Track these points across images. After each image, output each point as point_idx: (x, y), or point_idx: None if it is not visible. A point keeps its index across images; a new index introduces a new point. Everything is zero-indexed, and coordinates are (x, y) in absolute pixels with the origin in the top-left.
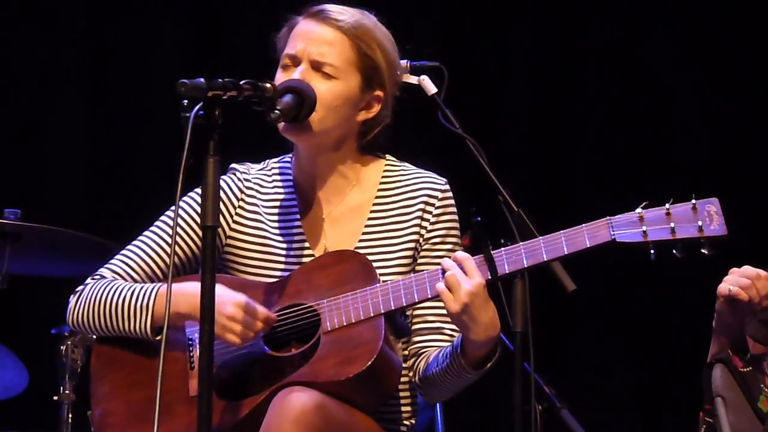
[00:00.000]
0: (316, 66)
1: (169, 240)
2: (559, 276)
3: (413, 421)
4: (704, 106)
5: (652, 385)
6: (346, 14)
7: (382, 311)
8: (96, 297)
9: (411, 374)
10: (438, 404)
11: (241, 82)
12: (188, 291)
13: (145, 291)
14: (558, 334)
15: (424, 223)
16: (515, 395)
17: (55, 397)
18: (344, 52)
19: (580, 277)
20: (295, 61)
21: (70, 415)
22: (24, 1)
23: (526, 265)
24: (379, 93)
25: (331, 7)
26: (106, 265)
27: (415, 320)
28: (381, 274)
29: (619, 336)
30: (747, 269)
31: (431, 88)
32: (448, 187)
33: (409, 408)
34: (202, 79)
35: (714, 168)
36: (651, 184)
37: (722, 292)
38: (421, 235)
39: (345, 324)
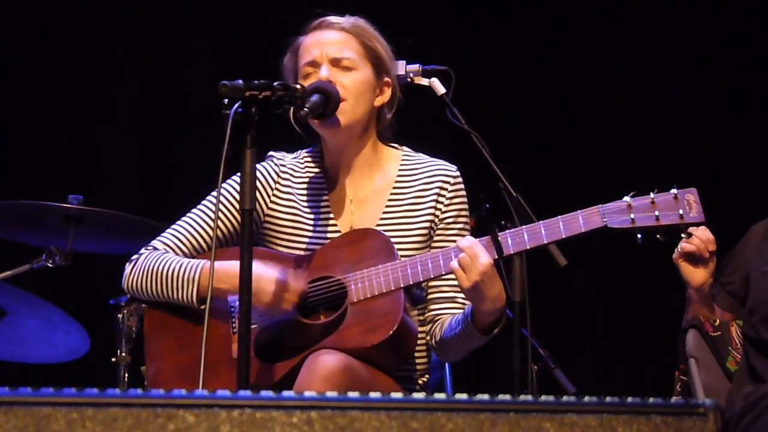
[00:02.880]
0: (335, 62)
1: (212, 217)
2: (552, 253)
3: (426, 379)
4: (688, 107)
5: (634, 348)
6: (343, 19)
7: (402, 285)
8: (149, 266)
9: (428, 338)
10: (447, 364)
11: (275, 84)
12: (228, 268)
13: (192, 265)
14: (551, 303)
15: (439, 205)
16: (514, 357)
17: (113, 359)
18: (354, 46)
19: (570, 254)
20: (315, 65)
21: (126, 375)
22: (81, 3)
23: (528, 247)
24: (387, 79)
25: (329, 17)
26: (158, 238)
27: (431, 290)
28: (399, 249)
29: (605, 305)
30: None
31: (440, 89)
32: (459, 173)
33: (423, 367)
34: (240, 81)
35: (694, 160)
36: (636, 176)
37: (676, 256)
38: (436, 216)
39: (369, 296)
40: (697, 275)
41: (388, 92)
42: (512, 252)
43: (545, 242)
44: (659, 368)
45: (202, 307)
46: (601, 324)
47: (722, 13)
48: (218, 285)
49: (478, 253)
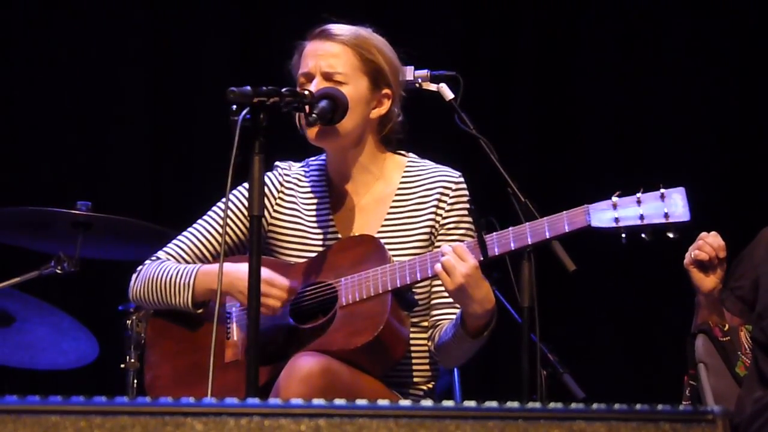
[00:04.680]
0: (328, 76)
1: (217, 228)
2: (561, 257)
3: (431, 385)
4: (695, 112)
5: (643, 352)
6: (345, 29)
7: (390, 288)
8: (150, 275)
9: (429, 343)
10: (456, 370)
11: (283, 90)
12: (225, 271)
13: (188, 270)
14: (560, 308)
15: (440, 210)
16: (523, 362)
17: (122, 366)
18: (349, 60)
19: (579, 258)
20: (309, 77)
21: (135, 381)
22: (90, 8)
23: (513, 248)
24: (387, 91)
25: (331, 26)
26: (163, 249)
27: (433, 296)
28: (400, 254)
29: (614, 310)
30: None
31: (449, 94)
32: (462, 179)
33: (427, 373)
34: (248, 87)
35: (703, 164)
36: (644, 181)
37: (687, 262)
38: (437, 221)
39: (358, 299)
40: (707, 281)
41: (387, 104)
42: (497, 254)
43: (530, 243)
44: (668, 373)
45: (199, 311)
46: (610, 329)
47: (728, 10)
48: (214, 287)
49: (461, 255)
